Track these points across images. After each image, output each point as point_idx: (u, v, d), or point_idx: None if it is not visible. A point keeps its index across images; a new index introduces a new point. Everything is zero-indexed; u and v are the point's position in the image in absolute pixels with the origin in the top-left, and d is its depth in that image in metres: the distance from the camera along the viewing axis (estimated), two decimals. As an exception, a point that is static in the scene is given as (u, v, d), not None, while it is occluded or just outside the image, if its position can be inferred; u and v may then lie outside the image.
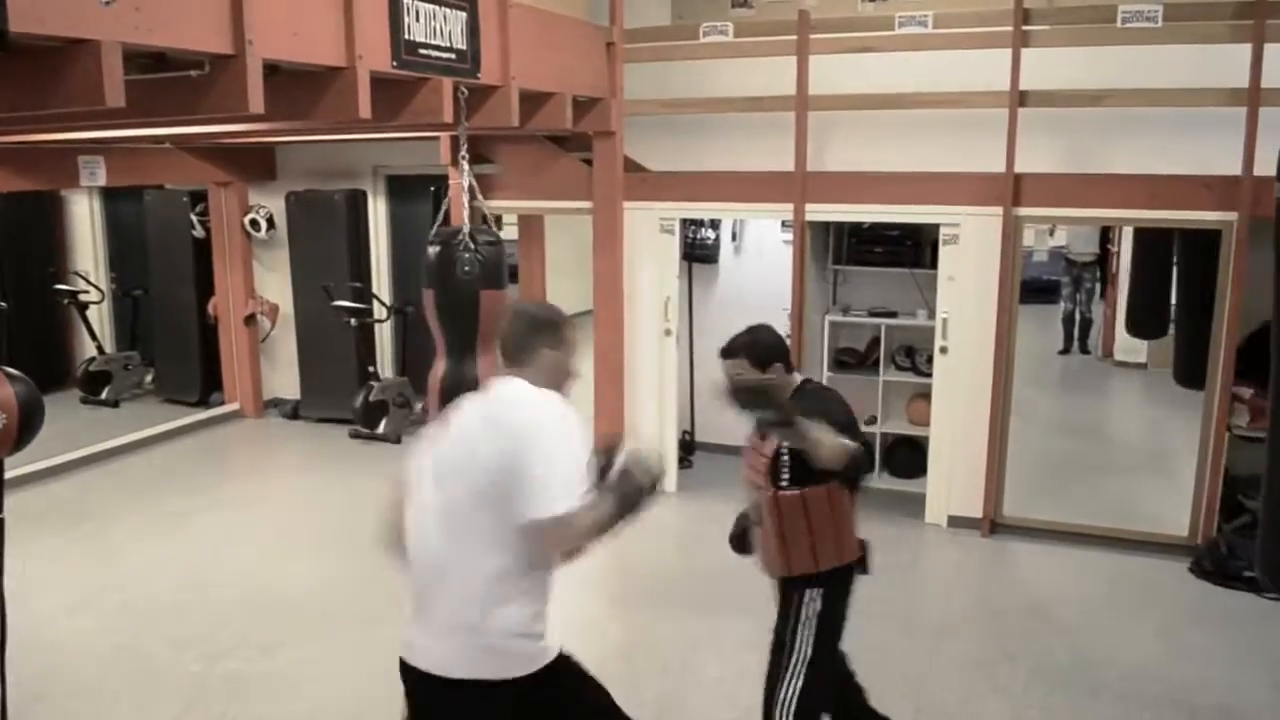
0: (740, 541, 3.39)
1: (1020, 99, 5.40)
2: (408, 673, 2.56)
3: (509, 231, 11.36)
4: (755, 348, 3.11)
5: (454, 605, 2.47)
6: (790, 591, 3.17)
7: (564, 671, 2.65)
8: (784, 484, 3.05)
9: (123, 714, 4.11)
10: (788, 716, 3.09)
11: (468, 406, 2.61)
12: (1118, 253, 9.85)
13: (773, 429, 2.96)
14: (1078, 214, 5.82)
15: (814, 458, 2.86)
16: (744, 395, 2.98)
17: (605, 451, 2.67)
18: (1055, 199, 5.55)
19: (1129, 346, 9.66)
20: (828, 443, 2.83)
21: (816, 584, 3.14)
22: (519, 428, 2.45)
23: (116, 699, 4.21)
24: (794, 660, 3.13)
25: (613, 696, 2.81)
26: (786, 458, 3.02)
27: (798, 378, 3.22)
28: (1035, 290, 10.04)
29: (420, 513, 2.55)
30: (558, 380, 2.64)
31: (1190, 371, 5.92)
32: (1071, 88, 5.40)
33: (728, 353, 3.13)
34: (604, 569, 5.68)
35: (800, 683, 3.11)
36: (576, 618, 4.95)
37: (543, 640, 2.57)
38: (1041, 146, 5.53)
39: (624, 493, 2.54)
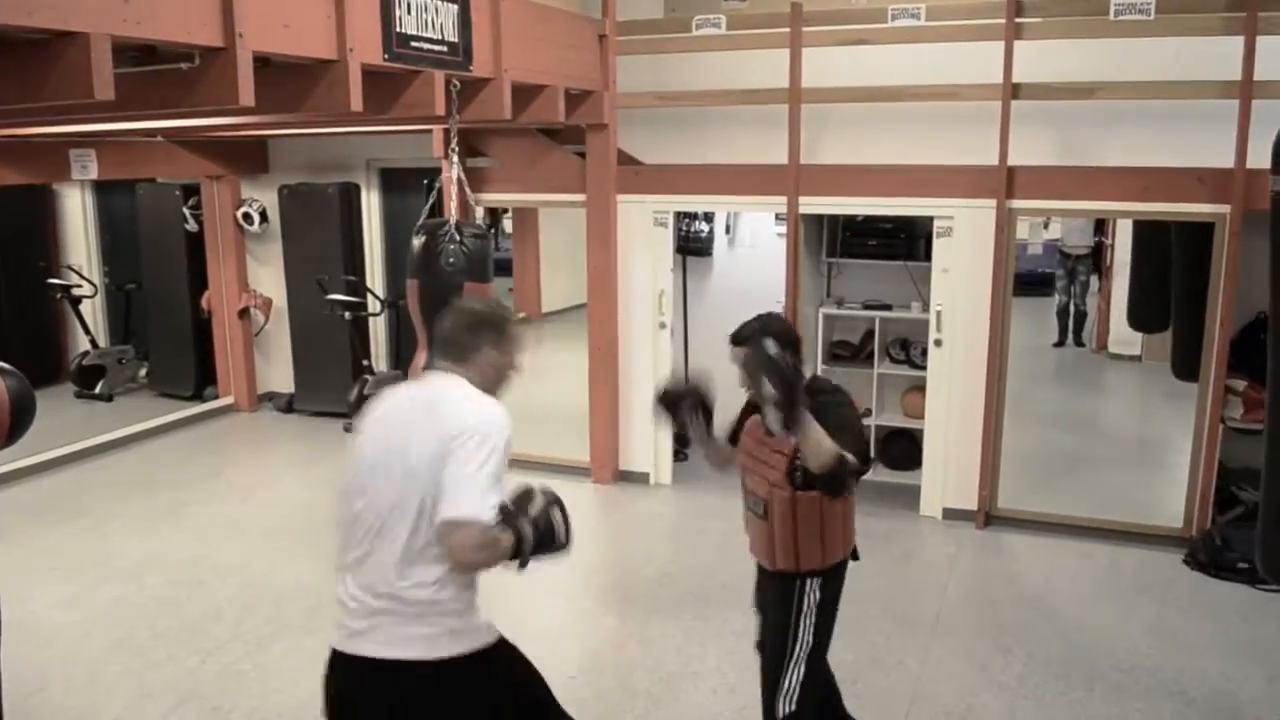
0: (670, 401, 3.30)
1: (1013, 91, 5.40)
2: (343, 664, 2.53)
3: (509, 224, 11.39)
4: (767, 335, 3.02)
5: (380, 582, 2.46)
6: (791, 583, 3.17)
7: (498, 660, 2.63)
8: (799, 483, 3.06)
9: (118, 708, 4.10)
10: (791, 704, 3.12)
11: (404, 394, 2.63)
12: (1111, 245, 9.88)
13: (784, 412, 2.82)
14: (1071, 206, 5.82)
15: (804, 454, 2.89)
16: (777, 370, 2.82)
17: (518, 499, 2.63)
18: (1049, 191, 5.55)
19: (1123, 339, 9.69)
20: (826, 445, 2.84)
21: (818, 575, 3.17)
22: (461, 424, 2.43)
23: (111, 693, 4.21)
24: (798, 649, 3.15)
25: (550, 690, 2.80)
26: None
27: (805, 373, 3.16)
28: (1030, 283, 10.06)
29: (353, 496, 2.53)
30: (496, 380, 2.63)
31: (1188, 364, 5.93)
32: (1065, 80, 5.40)
33: (741, 340, 3.08)
34: (599, 562, 5.69)
35: (803, 670, 3.15)
36: (572, 610, 4.97)
37: (470, 619, 2.57)
38: (1035, 139, 5.53)
39: (525, 533, 2.52)
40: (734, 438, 3.40)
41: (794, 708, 3.12)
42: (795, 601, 3.16)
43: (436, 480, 2.38)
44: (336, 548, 2.58)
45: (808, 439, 2.84)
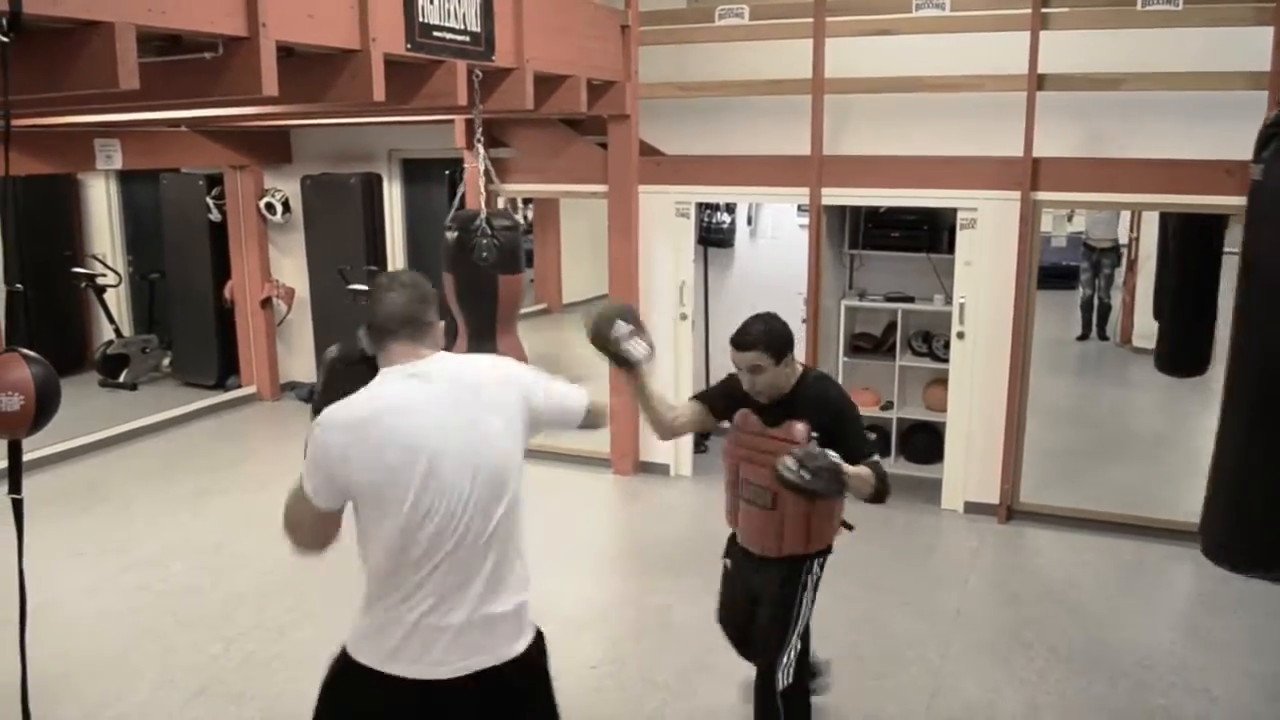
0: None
1: (1038, 82, 5.35)
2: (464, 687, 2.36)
3: (529, 215, 11.35)
4: (772, 338, 3.14)
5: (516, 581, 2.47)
6: (799, 564, 3.29)
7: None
8: None
9: (141, 694, 4.14)
10: (789, 676, 3.26)
11: (417, 393, 2.33)
12: (1137, 238, 9.79)
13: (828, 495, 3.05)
14: (1096, 199, 5.77)
15: (852, 491, 3.08)
16: (827, 483, 2.96)
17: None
18: (1074, 184, 5.50)
19: (1148, 332, 9.58)
20: (862, 476, 3.06)
21: (824, 553, 3.35)
22: (509, 372, 2.51)
23: (134, 679, 4.24)
24: (796, 625, 3.28)
25: None
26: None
27: (799, 366, 3.28)
28: (1053, 276, 9.99)
29: (441, 514, 2.30)
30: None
31: (1174, 358, 5.91)
32: (1090, 71, 5.35)
33: (744, 345, 3.13)
34: (618, 553, 5.70)
35: (800, 645, 3.29)
36: (593, 601, 4.97)
37: None
38: (1060, 130, 5.48)
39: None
40: (714, 402, 3.43)
41: (792, 680, 3.25)
42: (802, 579, 3.29)
43: (528, 427, 2.47)
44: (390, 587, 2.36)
45: (851, 488, 3.05)
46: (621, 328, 3.14)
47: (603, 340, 3.16)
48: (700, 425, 3.48)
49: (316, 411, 2.40)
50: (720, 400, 3.40)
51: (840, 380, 6.63)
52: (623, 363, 3.17)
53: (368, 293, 2.50)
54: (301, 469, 2.32)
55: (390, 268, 8.15)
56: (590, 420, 2.69)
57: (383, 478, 2.25)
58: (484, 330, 4.83)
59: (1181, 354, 5.55)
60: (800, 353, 6.08)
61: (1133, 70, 5.25)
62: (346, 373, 2.51)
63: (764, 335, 3.13)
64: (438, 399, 2.33)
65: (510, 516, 2.42)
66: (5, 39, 2.66)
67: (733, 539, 3.52)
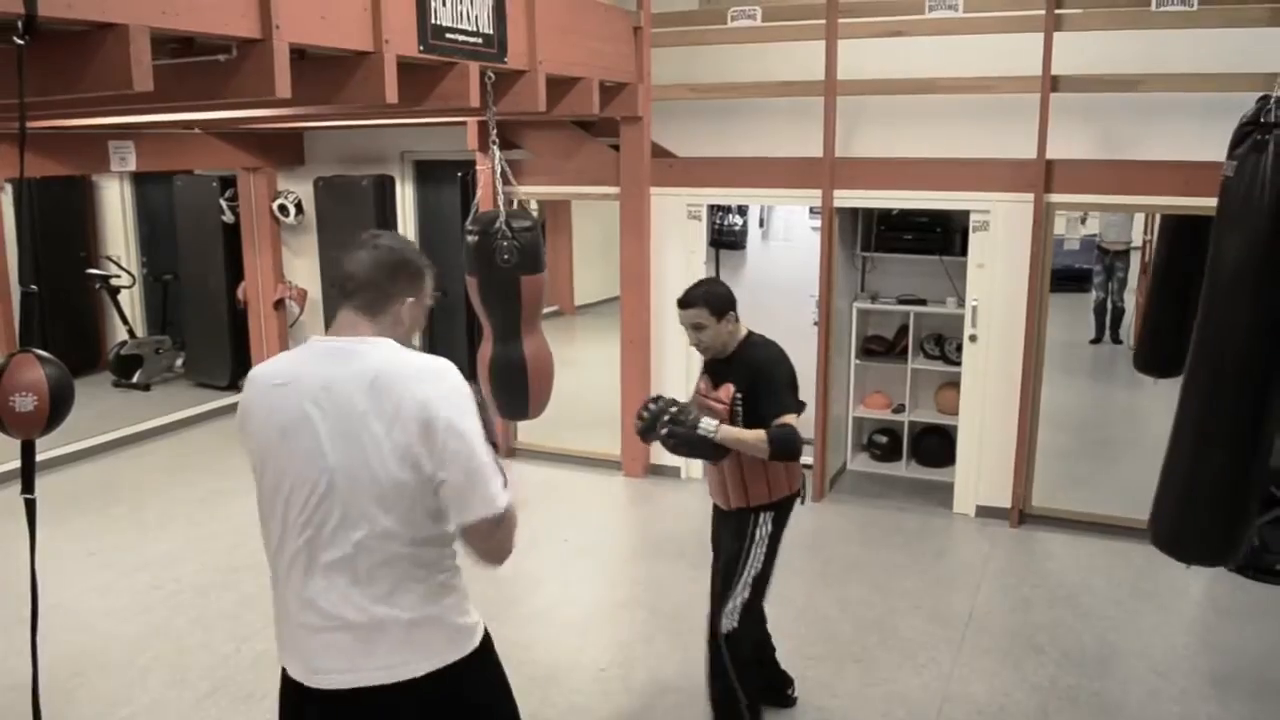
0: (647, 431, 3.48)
1: (1052, 84, 5.33)
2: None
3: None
4: (713, 297, 3.46)
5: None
6: (747, 517, 3.55)
7: None
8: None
9: (153, 693, 4.15)
10: (734, 620, 3.52)
11: (314, 364, 2.16)
12: (1150, 241, 9.74)
13: (697, 453, 3.47)
14: (1110, 201, 5.73)
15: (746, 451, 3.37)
16: (680, 444, 3.38)
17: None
18: (1087, 186, 5.48)
19: (1161, 336, 9.55)
20: (749, 440, 3.32)
21: (769, 509, 3.55)
22: (433, 410, 2.06)
23: (147, 678, 4.26)
24: (746, 574, 3.54)
25: None
26: (741, 406, 3.43)
27: (744, 329, 3.58)
28: (1066, 279, 9.94)
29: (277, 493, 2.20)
30: (409, 334, 2.23)
31: (1152, 358, 5.90)
32: (1105, 72, 5.33)
33: (687, 303, 3.46)
34: (630, 555, 5.69)
35: (748, 593, 3.54)
36: (603, 603, 4.96)
37: None
38: (1074, 132, 5.46)
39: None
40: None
41: (736, 624, 3.52)
42: (750, 532, 3.54)
43: (417, 482, 2.07)
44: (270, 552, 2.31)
45: (735, 443, 3.35)
46: (662, 423, 3.39)
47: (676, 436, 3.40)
48: None
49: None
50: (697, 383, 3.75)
51: (851, 383, 6.64)
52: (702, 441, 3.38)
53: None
54: None
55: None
56: (481, 531, 2.13)
57: (259, 449, 2.20)
58: (508, 331, 4.84)
59: (1162, 353, 5.55)
60: (811, 355, 6.12)
61: (1147, 71, 5.22)
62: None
63: (704, 294, 3.47)
64: (338, 387, 2.10)
65: (386, 542, 2.12)
66: (21, 41, 2.67)
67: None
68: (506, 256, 4.66)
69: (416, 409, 2.05)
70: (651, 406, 3.48)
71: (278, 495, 2.18)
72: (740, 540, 3.56)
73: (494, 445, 2.19)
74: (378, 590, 2.13)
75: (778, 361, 3.51)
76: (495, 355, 4.90)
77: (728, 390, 3.47)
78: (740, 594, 3.53)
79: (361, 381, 2.09)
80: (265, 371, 2.23)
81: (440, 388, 2.10)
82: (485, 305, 4.88)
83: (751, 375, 3.45)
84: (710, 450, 3.39)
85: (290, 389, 2.15)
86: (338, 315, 2.21)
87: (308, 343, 2.22)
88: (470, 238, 4.77)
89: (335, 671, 2.17)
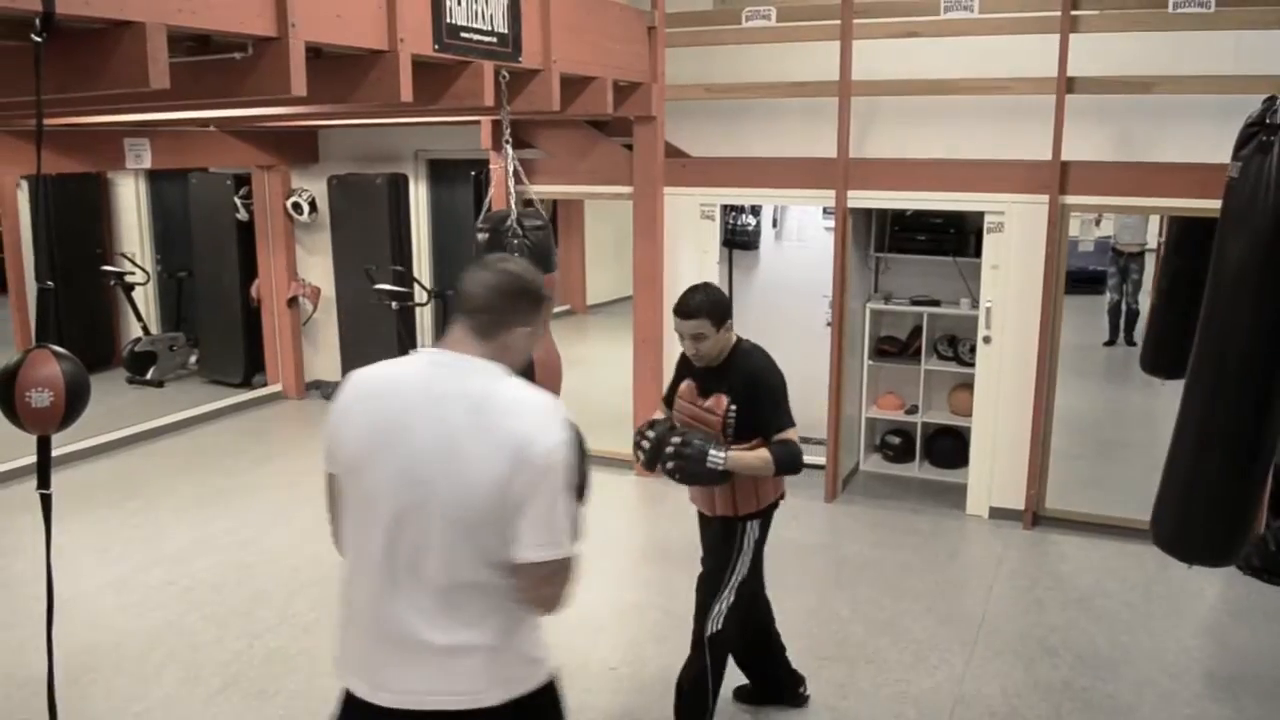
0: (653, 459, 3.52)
1: (1068, 85, 5.32)
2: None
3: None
4: (714, 306, 3.38)
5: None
6: (734, 525, 3.54)
7: None
8: (732, 439, 3.40)
9: (166, 689, 4.17)
10: (718, 624, 3.52)
11: (424, 379, 2.10)
12: (1165, 243, 9.70)
13: (700, 482, 3.45)
14: (1126, 203, 5.72)
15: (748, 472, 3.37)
16: (687, 477, 3.41)
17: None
18: (1103, 188, 5.46)
19: (1176, 339, 9.51)
20: (756, 465, 3.34)
21: (756, 517, 3.56)
22: (537, 450, 1.99)
23: (160, 674, 4.27)
24: (732, 580, 3.54)
25: None
26: (734, 418, 3.39)
27: (734, 336, 3.51)
28: (1081, 281, 9.91)
29: (374, 517, 2.10)
30: (515, 364, 2.16)
31: (1159, 359, 5.88)
32: (1121, 74, 5.31)
33: (689, 313, 3.35)
34: (640, 554, 5.68)
35: (733, 598, 3.53)
36: (614, 602, 4.96)
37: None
38: (1089, 134, 5.45)
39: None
40: (670, 399, 3.71)
41: (720, 627, 3.52)
42: (738, 541, 3.54)
43: (501, 513, 2.00)
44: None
45: (743, 469, 3.35)
46: (666, 455, 3.39)
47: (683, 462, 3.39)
48: None
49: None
50: (671, 387, 3.68)
51: (864, 383, 6.63)
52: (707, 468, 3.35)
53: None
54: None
55: (416, 268, 8.17)
56: (529, 577, 2.06)
57: (352, 455, 2.12)
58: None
59: (1169, 353, 5.53)
60: (824, 355, 6.12)
61: (1164, 73, 5.20)
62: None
63: (706, 303, 3.36)
64: (442, 403, 2.04)
65: (474, 566, 2.05)
66: (38, 39, 2.68)
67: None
68: (517, 255, 4.66)
69: (515, 440, 1.99)
70: (650, 434, 3.47)
71: (368, 505, 2.09)
72: (728, 548, 3.55)
73: (580, 495, 2.18)
74: (464, 615, 2.07)
75: (773, 370, 3.46)
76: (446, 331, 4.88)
77: (720, 402, 3.41)
78: (726, 599, 3.53)
79: (467, 402, 2.03)
80: (367, 376, 2.17)
81: (543, 424, 2.04)
82: None
83: (748, 385, 3.39)
84: (717, 478, 3.35)
85: (393, 398, 2.09)
86: (452, 326, 2.15)
87: (416, 352, 2.18)
88: (480, 235, 4.78)
89: (410, 692, 2.11)
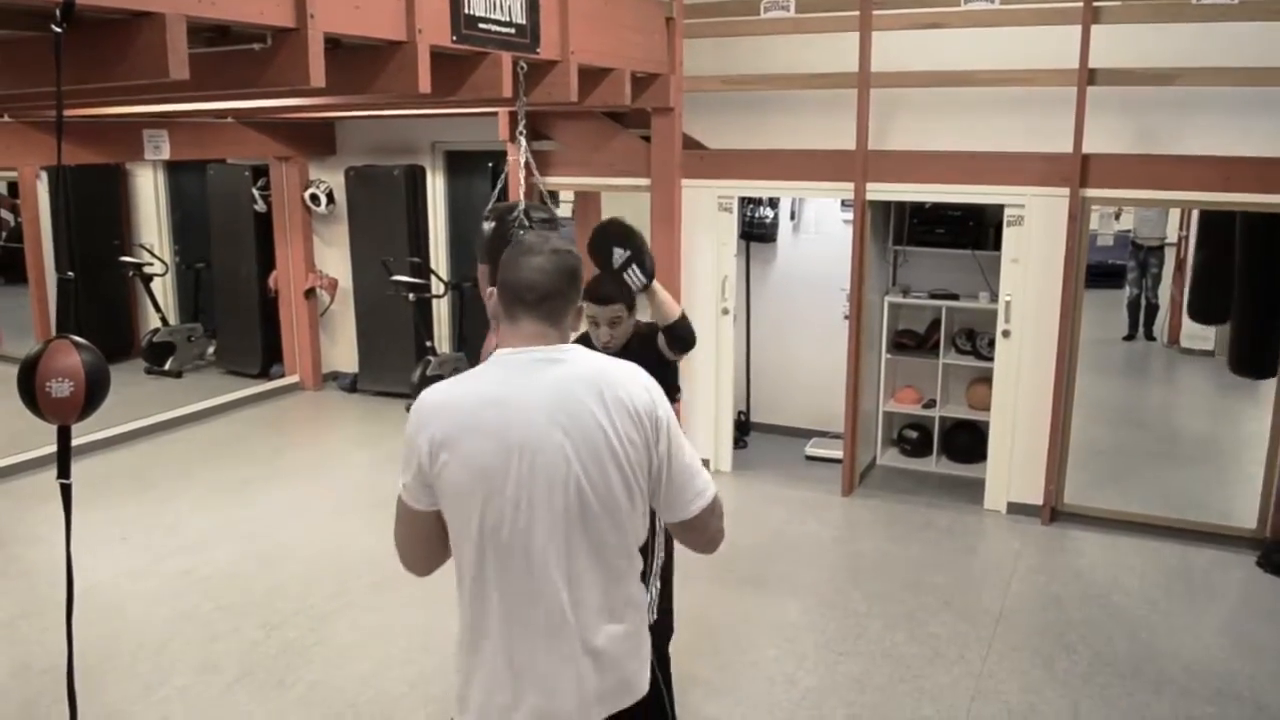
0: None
1: (1089, 77, 5.27)
2: None
3: (565, 209, 11.45)
4: (628, 292, 3.40)
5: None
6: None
7: None
8: None
9: (183, 679, 4.18)
10: (654, 614, 3.35)
11: (542, 385, 1.97)
12: (1186, 237, 9.63)
13: (640, 264, 3.39)
14: (1148, 196, 5.65)
15: (660, 308, 3.40)
16: (631, 235, 3.41)
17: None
18: (1124, 180, 5.41)
19: (1196, 333, 9.45)
20: (672, 300, 3.44)
21: None
22: (658, 410, 2.01)
23: (177, 664, 4.29)
24: (655, 565, 3.43)
25: None
26: None
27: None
28: (1100, 275, 9.85)
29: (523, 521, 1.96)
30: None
31: (1248, 359, 5.80)
32: (1143, 66, 5.25)
33: (607, 298, 3.35)
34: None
35: (659, 583, 3.45)
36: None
37: None
38: (1110, 126, 5.40)
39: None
40: None
41: (656, 616, 3.32)
42: (649, 524, 3.38)
43: (644, 489, 2.02)
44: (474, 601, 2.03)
45: (659, 293, 3.39)
46: (619, 256, 3.36)
47: (603, 268, 3.39)
48: None
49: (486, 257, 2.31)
50: None
51: (881, 377, 6.62)
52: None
53: (508, 252, 2.09)
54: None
55: (432, 259, 8.18)
56: (703, 522, 2.12)
57: (476, 474, 1.94)
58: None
59: (1256, 354, 5.47)
60: (842, 349, 6.09)
61: (1187, 65, 5.15)
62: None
63: (620, 289, 3.38)
64: (572, 402, 1.96)
65: (619, 557, 2.05)
66: (58, 29, 2.68)
67: None
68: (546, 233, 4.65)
69: (646, 408, 1.98)
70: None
71: (510, 524, 1.95)
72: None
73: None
74: (613, 605, 2.04)
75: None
76: (510, 326, 4.87)
77: None
78: (652, 587, 3.40)
79: (591, 390, 1.96)
80: (461, 392, 2.00)
81: (651, 385, 2.04)
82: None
83: (650, 348, 3.42)
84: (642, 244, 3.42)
85: (513, 407, 1.95)
86: (518, 325, 2.02)
87: (497, 359, 2.02)
88: (486, 224, 4.76)
89: (580, 705, 2.01)
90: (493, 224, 4.73)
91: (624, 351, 3.38)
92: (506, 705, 2.00)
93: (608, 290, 3.37)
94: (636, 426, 1.97)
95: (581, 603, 1.99)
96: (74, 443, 2.96)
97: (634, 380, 2.02)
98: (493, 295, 2.08)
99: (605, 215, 8.03)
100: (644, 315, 3.50)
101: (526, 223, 4.67)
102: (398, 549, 2.10)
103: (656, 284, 3.41)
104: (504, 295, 2.03)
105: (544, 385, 1.96)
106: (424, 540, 2.05)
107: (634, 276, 3.35)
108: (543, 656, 1.98)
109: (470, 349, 8.05)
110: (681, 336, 3.46)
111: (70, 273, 2.92)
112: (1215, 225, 6.31)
